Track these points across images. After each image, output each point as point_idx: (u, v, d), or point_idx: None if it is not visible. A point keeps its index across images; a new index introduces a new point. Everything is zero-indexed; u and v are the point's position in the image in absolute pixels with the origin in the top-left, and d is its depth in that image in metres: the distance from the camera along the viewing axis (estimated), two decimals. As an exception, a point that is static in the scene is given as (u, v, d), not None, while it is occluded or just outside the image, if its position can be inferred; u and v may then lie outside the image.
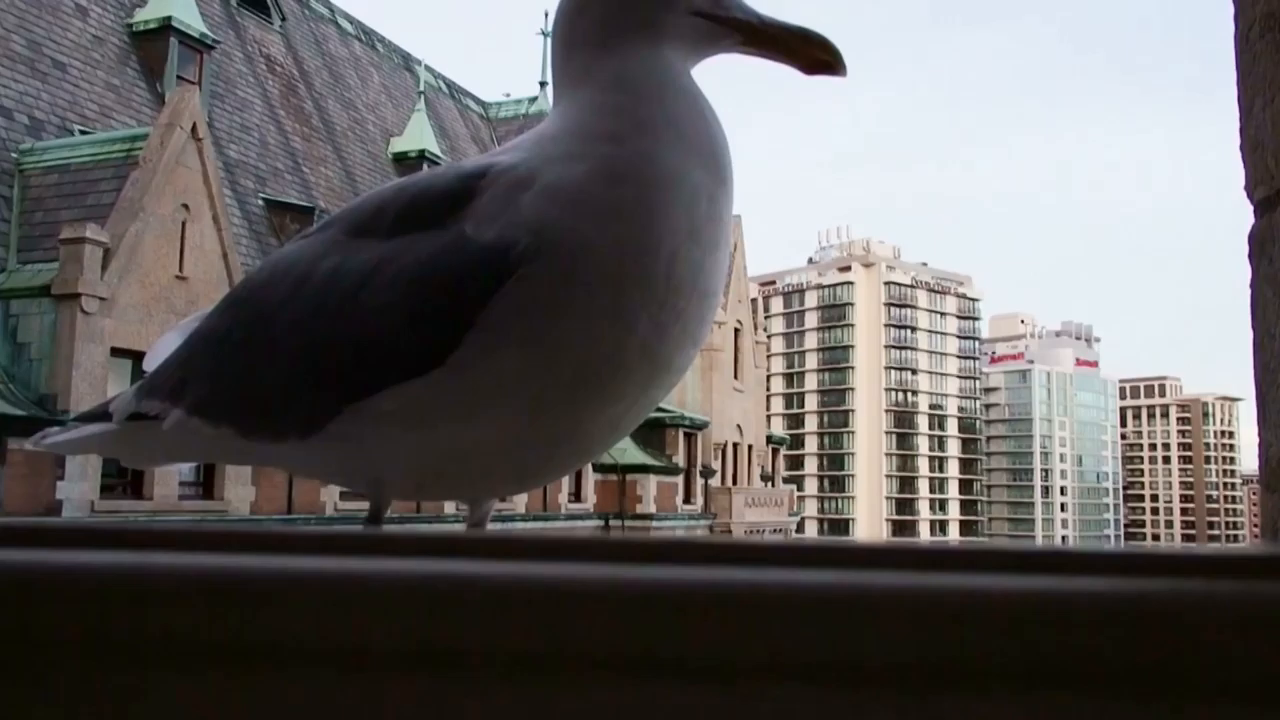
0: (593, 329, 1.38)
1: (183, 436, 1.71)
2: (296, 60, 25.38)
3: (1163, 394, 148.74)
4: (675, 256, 1.39)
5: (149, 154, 14.41)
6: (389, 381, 1.42)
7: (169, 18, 19.30)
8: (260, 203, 20.20)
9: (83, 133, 16.33)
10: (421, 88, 29.19)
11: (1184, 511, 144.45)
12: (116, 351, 13.79)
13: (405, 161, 26.51)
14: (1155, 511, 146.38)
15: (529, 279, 1.35)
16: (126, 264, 13.81)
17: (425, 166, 26.34)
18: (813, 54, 1.50)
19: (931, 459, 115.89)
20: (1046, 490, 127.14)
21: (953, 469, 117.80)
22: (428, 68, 31.85)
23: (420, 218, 1.48)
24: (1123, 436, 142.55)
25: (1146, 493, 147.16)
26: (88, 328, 13.30)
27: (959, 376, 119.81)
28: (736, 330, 30.50)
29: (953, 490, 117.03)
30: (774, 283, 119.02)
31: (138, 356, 14.20)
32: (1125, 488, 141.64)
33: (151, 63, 19.35)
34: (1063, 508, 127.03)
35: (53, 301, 13.26)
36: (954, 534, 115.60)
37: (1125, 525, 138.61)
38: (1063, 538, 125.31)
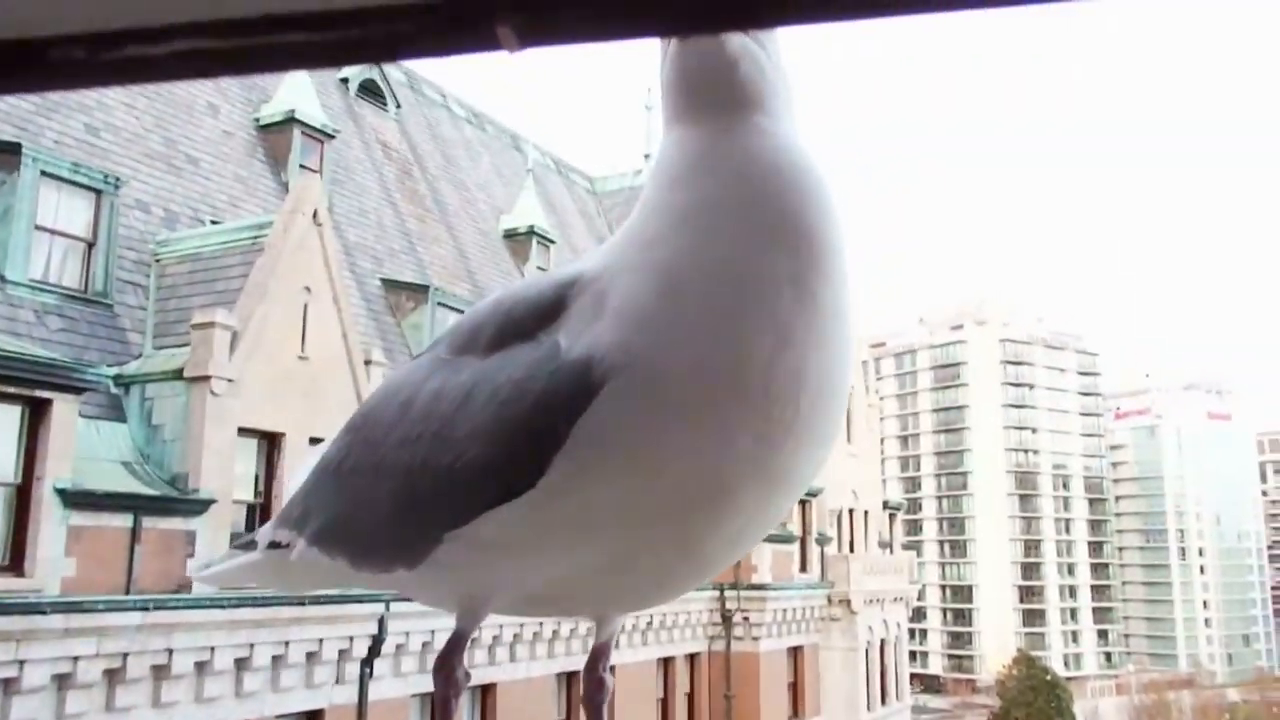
0: (689, 449, 1.28)
1: (307, 565, 1.73)
2: (411, 145, 26.38)
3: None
4: (769, 365, 1.26)
5: (274, 239, 15.05)
6: (483, 507, 1.37)
7: (292, 111, 20.32)
8: (378, 282, 20.87)
9: (213, 222, 17.18)
10: (530, 165, 29.97)
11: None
12: (243, 431, 14.28)
13: (515, 237, 27.14)
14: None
15: (616, 397, 1.27)
16: (253, 346, 14.35)
17: (534, 242, 26.90)
18: None
19: (1057, 521, 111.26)
20: (1183, 552, 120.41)
21: (1080, 531, 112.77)
22: (536, 146, 32.72)
23: (516, 331, 1.44)
24: (1264, 494, 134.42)
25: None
26: (217, 408, 13.82)
27: (1082, 434, 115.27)
28: (849, 394, 29.99)
29: (1081, 553, 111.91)
30: (884, 344, 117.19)
31: (263, 435, 14.68)
32: (1270, 548, 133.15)
33: (277, 153, 20.36)
34: (1202, 570, 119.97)
35: (185, 384, 13.85)
36: (1085, 599, 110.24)
37: (1273, 588, 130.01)
38: (1204, 602, 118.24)
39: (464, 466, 1.38)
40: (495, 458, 1.35)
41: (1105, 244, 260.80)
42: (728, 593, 23.66)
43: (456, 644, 1.52)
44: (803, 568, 26.65)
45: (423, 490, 1.44)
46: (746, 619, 23.99)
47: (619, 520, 1.33)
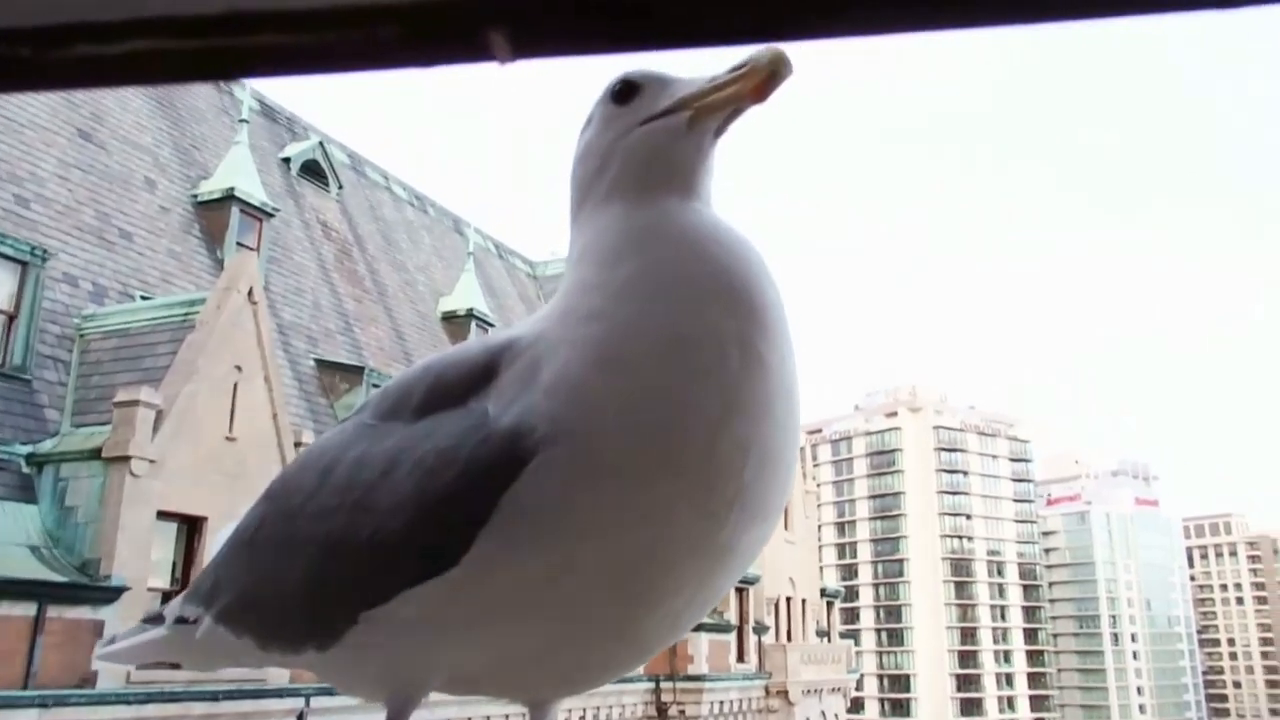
0: (624, 524, 1.20)
1: (212, 644, 1.62)
2: (351, 225, 26.27)
3: (1229, 531, 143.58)
4: (714, 434, 1.20)
5: (206, 316, 14.73)
6: (403, 585, 1.27)
7: (232, 188, 20.13)
8: (312, 363, 20.51)
9: (144, 298, 16.80)
10: (470, 248, 30.00)
11: (1264, 655, 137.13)
12: (163, 514, 13.75)
13: (454, 320, 27.01)
14: (1234, 656, 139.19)
15: (547, 468, 1.19)
16: (178, 426, 13.92)
17: (473, 324, 26.79)
18: (757, 83, 1.29)
19: (993, 607, 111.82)
20: (1116, 637, 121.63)
21: (1015, 617, 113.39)
22: (477, 230, 32.82)
23: (445, 397, 1.36)
24: (1191, 578, 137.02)
25: (1223, 636, 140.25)
26: (136, 490, 13.31)
27: (1015, 521, 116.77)
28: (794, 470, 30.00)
29: (1017, 640, 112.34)
30: (821, 430, 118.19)
31: (184, 519, 14.15)
32: (1199, 632, 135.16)
33: (214, 230, 20.09)
34: (1135, 655, 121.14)
35: (103, 464, 13.33)
36: (1021, 687, 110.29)
37: (1204, 672, 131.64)
38: (1138, 688, 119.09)
39: (383, 540, 1.29)
40: (417, 531, 1.27)
41: (1033, 331, 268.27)
42: (663, 684, 23.18)
43: None
44: (740, 657, 26.27)
45: (338, 565, 1.35)
46: (683, 712, 23.48)
47: (548, 600, 1.25)
